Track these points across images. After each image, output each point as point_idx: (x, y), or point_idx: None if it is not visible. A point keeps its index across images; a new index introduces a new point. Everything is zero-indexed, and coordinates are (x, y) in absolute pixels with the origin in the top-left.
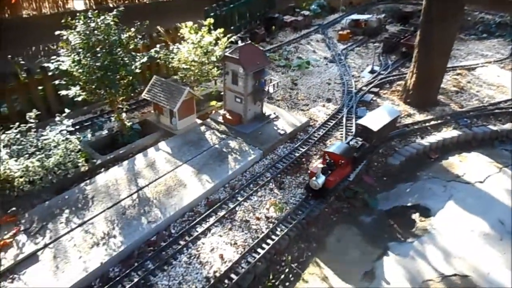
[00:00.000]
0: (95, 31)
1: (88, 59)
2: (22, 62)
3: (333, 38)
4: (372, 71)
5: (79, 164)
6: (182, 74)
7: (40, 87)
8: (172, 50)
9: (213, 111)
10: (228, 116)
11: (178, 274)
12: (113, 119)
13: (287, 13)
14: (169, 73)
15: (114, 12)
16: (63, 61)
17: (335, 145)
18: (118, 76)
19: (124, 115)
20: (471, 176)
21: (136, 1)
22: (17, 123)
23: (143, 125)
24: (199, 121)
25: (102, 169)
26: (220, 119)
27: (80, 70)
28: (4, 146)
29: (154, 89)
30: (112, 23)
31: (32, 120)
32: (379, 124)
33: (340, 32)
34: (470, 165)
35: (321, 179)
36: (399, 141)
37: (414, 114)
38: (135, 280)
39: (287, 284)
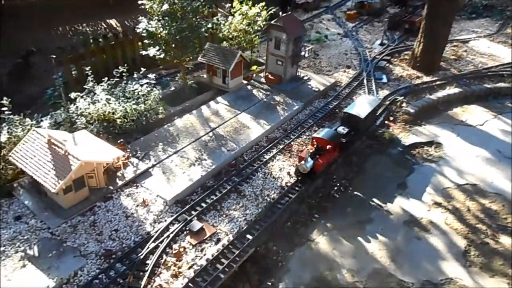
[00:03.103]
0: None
1: (173, 23)
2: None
3: (342, 18)
4: (382, 44)
5: (160, 111)
6: (229, 42)
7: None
8: (220, 21)
9: (254, 74)
10: (270, 76)
11: (258, 185)
12: (177, 78)
13: None
14: (214, 41)
15: None
16: (149, 25)
17: (323, 131)
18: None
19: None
20: (473, 121)
21: None
22: (106, 78)
23: (197, 85)
24: (245, 82)
25: (176, 117)
26: (263, 79)
27: (165, 32)
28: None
29: (208, 53)
30: None
31: (123, 75)
32: (365, 112)
33: (348, 12)
34: (471, 114)
35: (310, 163)
36: (411, 97)
37: (422, 76)
38: (228, 187)
39: (339, 193)
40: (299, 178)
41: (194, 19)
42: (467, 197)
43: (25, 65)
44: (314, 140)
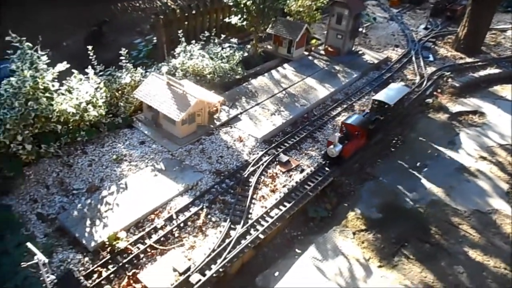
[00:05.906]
0: None
1: None
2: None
3: (385, 4)
4: (426, 28)
5: (239, 72)
6: (294, 16)
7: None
8: None
9: (313, 47)
10: (329, 49)
11: (329, 134)
12: (248, 46)
13: None
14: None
15: None
16: None
17: (352, 117)
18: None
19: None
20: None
21: None
22: (193, 40)
23: (264, 53)
24: (306, 53)
25: (250, 78)
26: (322, 52)
27: (250, 2)
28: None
29: (277, 26)
30: None
31: (210, 38)
32: (394, 99)
33: None
34: (510, 91)
35: (338, 147)
36: (456, 74)
37: (464, 57)
38: (304, 134)
39: (397, 145)
40: (327, 162)
41: None
42: (508, 154)
43: (100, 33)
44: (343, 125)
